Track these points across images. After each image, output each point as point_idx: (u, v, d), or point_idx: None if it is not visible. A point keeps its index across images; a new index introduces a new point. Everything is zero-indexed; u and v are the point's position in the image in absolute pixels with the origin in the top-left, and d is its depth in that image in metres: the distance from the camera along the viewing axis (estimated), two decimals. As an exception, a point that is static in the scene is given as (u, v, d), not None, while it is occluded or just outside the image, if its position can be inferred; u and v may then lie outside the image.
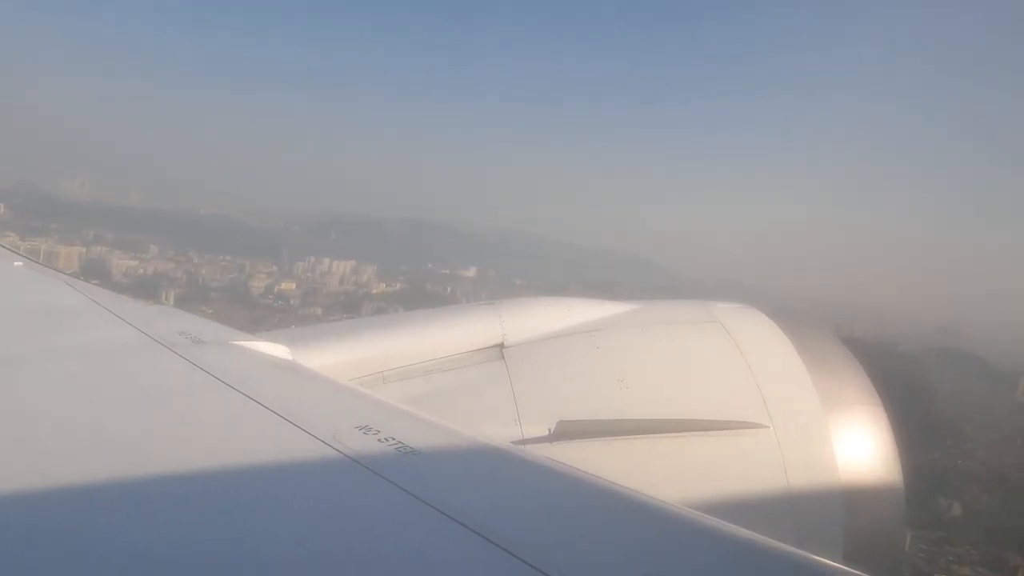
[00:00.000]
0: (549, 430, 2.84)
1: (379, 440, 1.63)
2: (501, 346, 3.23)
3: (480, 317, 3.36)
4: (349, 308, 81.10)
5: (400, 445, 1.60)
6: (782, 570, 1.24)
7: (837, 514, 2.88)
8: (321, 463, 1.53)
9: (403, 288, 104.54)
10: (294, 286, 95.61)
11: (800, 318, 3.58)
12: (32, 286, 4.40)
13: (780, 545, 1.27)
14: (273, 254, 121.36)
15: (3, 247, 6.23)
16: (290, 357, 2.65)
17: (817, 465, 2.92)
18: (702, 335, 3.31)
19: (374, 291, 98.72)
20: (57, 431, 1.74)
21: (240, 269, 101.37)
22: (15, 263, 5.07)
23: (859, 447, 2.99)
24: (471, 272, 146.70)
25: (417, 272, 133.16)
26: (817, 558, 1.25)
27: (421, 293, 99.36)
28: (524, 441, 2.81)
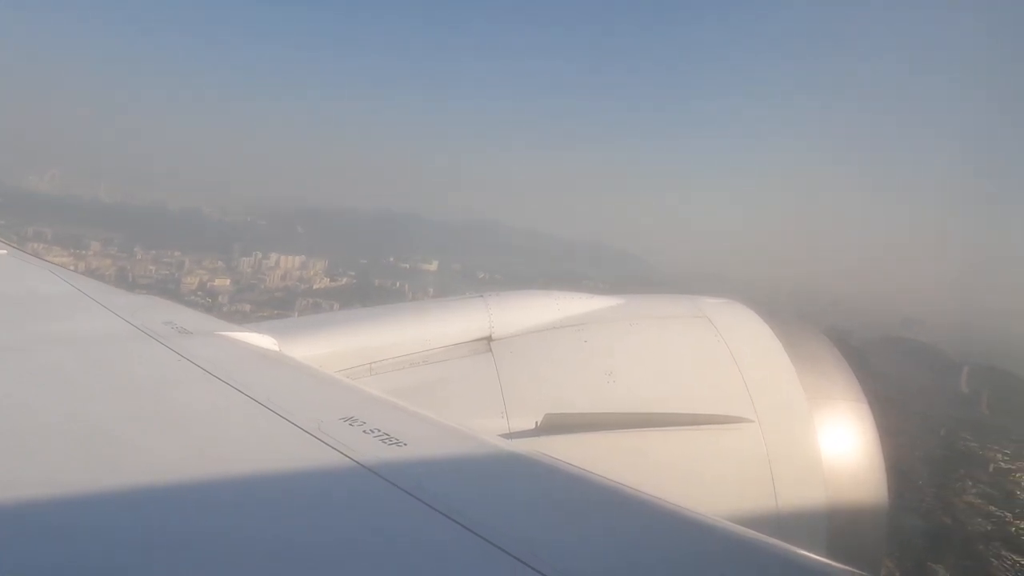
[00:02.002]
0: (536, 423, 2.83)
1: (364, 431, 1.63)
2: (489, 339, 3.23)
3: (468, 310, 3.35)
4: (284, 305, 79.61)
5: (385, 437, 1.60)
6: (766, 563, 1.24)
7: (820, 509, 2.88)
8: (305, 454, 1.52)
9: (349, 283, 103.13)
10: (228, 282, 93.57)
11: (785, 313, 3.61)
12: (16, 274, 4.31)
13: (764, 538, 1.29)
14: (226, 249, 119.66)
15: None
16: (276, 348, 2.63)
17: (801, 460, 2.93)
18: (689, 330, 3.32)
19: (316, 287, 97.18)
20: (41, 421, 1.71)
21: (180, 265, 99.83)
22: None
23: (843, 443, 3.01)
24: (433, 266, 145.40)
25: (376, 266, 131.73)
26: (801, 551, 1.26)
27: (368, 289, 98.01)
28: (511, 434, 2.79)
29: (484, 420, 2.82)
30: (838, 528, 2.87)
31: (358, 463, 1.43)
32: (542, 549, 1.12)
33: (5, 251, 4.97)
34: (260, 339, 2.63)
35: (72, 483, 1.34)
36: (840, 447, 2.98)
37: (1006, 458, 46.55)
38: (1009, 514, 36.24)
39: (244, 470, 1.46)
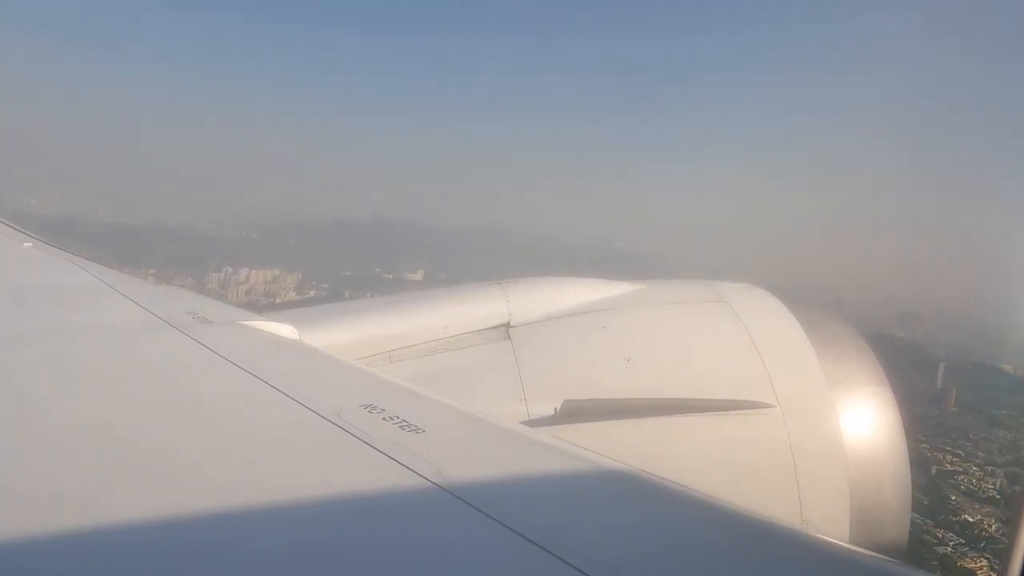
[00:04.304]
0: (555, 410, 2.81)
1: (384, 419, 1.65)
2: (507, 326, 3.22)
3: (486, 297, 3.34)
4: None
5: (404, 424, 1.61)
6: (787, 549, 1.24)
7: (842, 494, 2.86)
8: (325, 441, 1.54)
9: (317, 297, 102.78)
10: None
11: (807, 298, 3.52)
12: (41, 266, 4.38)
13: (786, 525, 1.29)
14: (203, 265, 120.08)
15: (13, 228, 6.06)
16: (297, 337, 2.65)
17: (823, 445, 2.90)
18: (708, 315, 3.29)
19: (279, 301, 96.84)
20: (65, 410, 1.73)
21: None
22: (24, 244, 5.04)
23: (865, 427, 2.97)
24: (418, 275, 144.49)
25: (359, 278, 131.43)
26: (822, 537, 1.28)
27: (337, 302, 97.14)
28: (530, 421, 2.80)
29: (503, 407, 2.81)
30: (861, 514, 2.85)
31: (377, 450, 1.44)
32: (562, 535, 1.10)
33: (31, 243, 5.02)
34: (280, 328, 2.64)
35: (93, 471, 1.34)
36: (862, 432, 2.95)
37: (955, 460, 44.70)
38: (930, 521, 34.51)
39: (264, 458, 1.48)
